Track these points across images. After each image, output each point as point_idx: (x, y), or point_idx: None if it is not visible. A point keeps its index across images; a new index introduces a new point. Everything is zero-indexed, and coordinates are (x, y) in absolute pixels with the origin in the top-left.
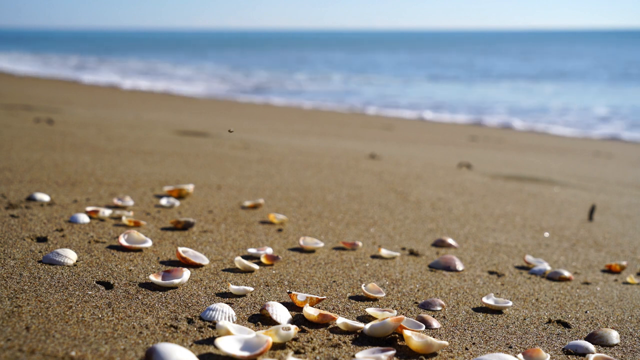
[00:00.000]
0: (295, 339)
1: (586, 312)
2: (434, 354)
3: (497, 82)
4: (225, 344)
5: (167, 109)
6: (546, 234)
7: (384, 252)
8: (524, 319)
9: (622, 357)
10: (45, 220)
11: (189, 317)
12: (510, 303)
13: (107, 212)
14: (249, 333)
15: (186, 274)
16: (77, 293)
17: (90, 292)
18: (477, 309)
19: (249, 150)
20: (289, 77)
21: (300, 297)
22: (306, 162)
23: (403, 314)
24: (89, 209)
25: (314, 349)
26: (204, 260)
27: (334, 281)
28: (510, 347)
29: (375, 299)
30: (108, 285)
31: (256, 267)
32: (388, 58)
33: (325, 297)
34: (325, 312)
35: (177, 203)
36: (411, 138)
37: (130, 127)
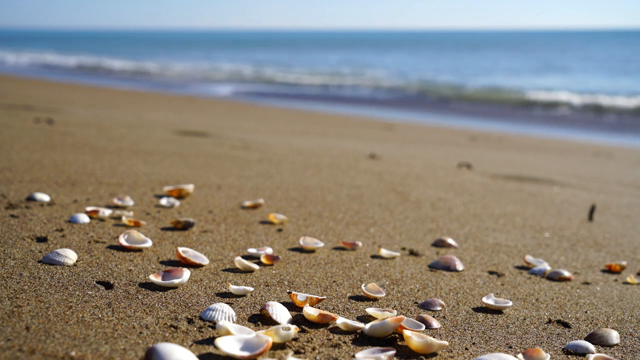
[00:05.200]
0: (295, 339)
1: (586, 312)
2: (434, 354)
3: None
4: (225, 344)
5: (167, 109)
6: (546, 234)
7: (384, 252)
8: (524, 319)
9: (622, 357)
10: (45, 220)
11: (189, 317)
12: (510, 303)
13: (107, 212)
14: (249, 333)
15: (186, 274)
16: (77, 293)
17: (90, 292)
18: (477, 309)
19: (249, 150)
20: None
21: (300, 297)
22: (306, 162)
23: (403, 314)
24: (89, 209)
25: (314, 349)
26: (204, 260)
27: (334, 281)
28: (510, 347)
29: (375, 299)
30: (108, 285)
31: (256, 267)
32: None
33: (325, 297)
34: (325, 312)
35: (177, 203)
36: (411, 138)
37: (130, 127)
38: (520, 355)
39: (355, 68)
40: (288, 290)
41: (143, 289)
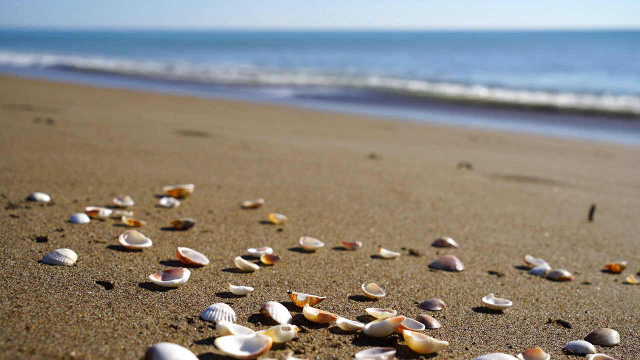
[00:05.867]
0: (295, 339)
1: (586, 312)
2: (434, 354)
3: None
4: (225, 344)
5: (167, 109)
6: (546, 234)
7: (384, 252)
8: (524, 319)
9: (622, 357)
10: (45, 220)
11: (189, 317)
12: (510, 303)
13: (107, 212)
14: (249, 333)
15: (186, 274)
16: (77, 293)
17: (90, 292)
18: (477, 309)
19: (249, 150)
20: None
21: (300, 297)
22: (306, 162)
23: (403, 314)
24: (89, 209)
25: (314, 349)
26: (204, 260)
27: (334, 281)
28: (510, 347)
29: (375, 299)
30: (108, 285)
31: (256, 267)
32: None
33: (325, 297)
34: (325, 312)
35: (177, 203)
36: (411, 138)
37: (130, 127)
38: (520, 355)
39: (361, 68)
40: (288, 290)
41: (143, 289)
